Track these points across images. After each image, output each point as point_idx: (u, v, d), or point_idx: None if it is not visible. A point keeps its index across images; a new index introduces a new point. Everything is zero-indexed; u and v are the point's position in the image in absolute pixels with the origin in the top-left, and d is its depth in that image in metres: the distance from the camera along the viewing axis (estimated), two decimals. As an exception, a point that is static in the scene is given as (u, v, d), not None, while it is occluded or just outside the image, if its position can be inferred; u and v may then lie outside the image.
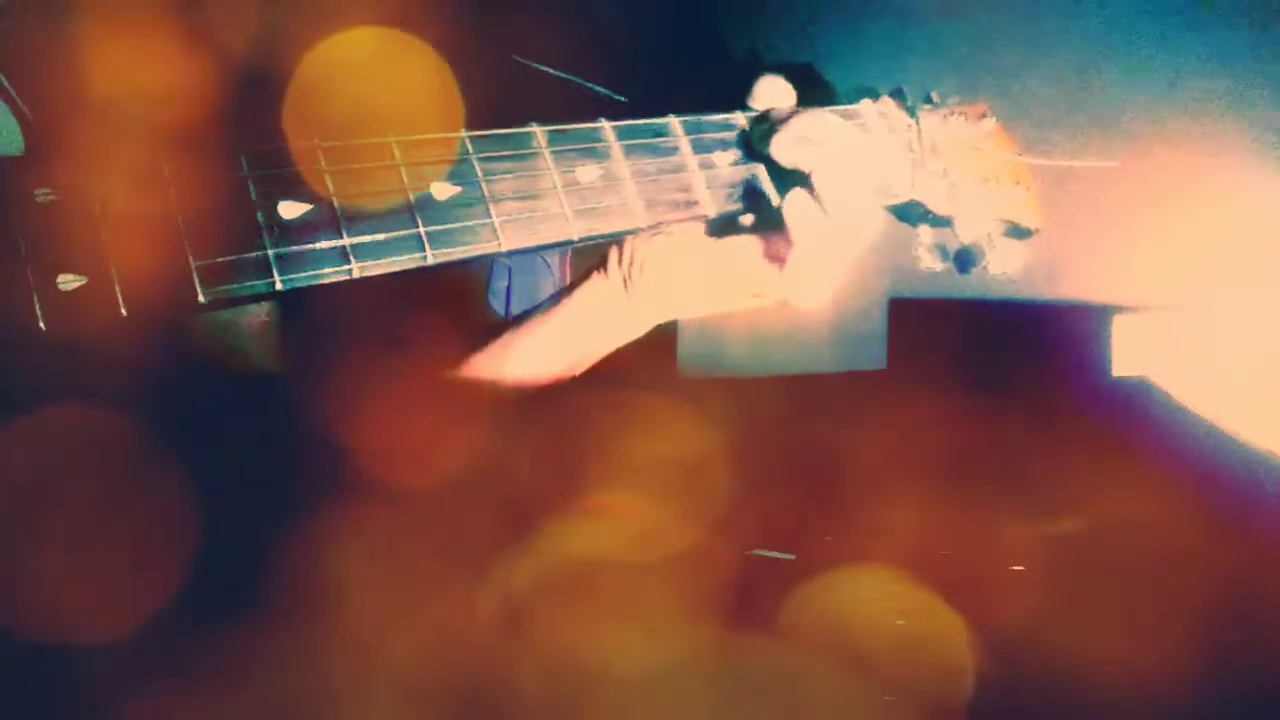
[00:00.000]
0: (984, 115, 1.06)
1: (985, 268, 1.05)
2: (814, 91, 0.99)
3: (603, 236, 0.83)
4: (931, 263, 1.04)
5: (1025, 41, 1.33)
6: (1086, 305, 1.37)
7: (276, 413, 0.88)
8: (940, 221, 1.03)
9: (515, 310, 1.24)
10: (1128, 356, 1.37)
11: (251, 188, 0.71)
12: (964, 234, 1.03)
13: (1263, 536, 1.19)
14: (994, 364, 1.31)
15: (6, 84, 0.75)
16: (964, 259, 1.05)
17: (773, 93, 0.94)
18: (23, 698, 0.70)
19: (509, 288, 1.26)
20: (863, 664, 1.25)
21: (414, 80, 0.86)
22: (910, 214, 1.02)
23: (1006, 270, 1.06)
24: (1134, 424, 1.33)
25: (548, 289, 1.28)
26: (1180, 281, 1.34)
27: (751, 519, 0.97)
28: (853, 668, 1.25)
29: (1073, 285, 1.35)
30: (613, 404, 0.93)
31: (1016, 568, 1.30)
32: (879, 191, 0.97)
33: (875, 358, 1.40)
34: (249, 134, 0.72)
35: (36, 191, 0.66)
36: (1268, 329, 1.29)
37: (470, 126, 0.81)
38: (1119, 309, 1.37)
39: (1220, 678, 1.11)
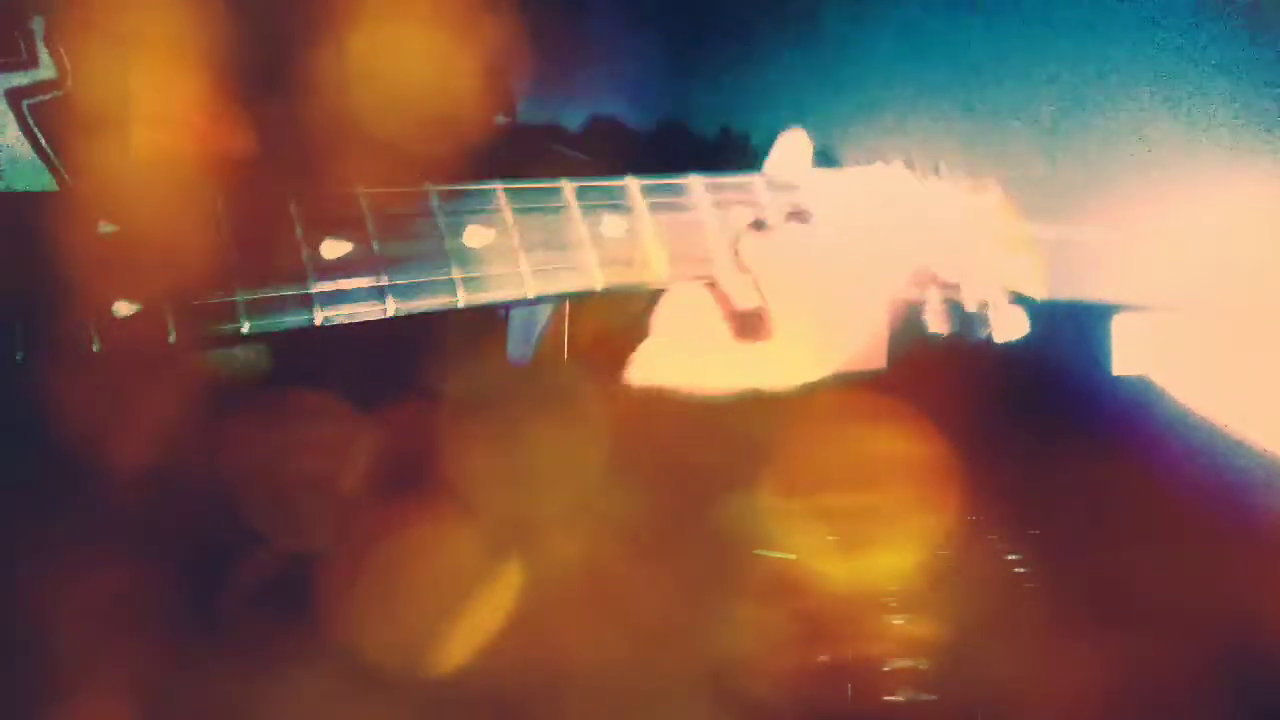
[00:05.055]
0: (989, 187, 1.11)
1: (989, 334, 1.09)
2: (824, 161, 1.03)
3: (625, 288, 0.87)
4: (939, 326, 1.08)
5: (1030, 116, 1.36)
6: (1086, 305, 1.38)
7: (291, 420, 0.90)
8: (948, 287, 1.07)
9: (515, 315, 1.27)
10: (1128, 356, 1.37)
11: (297, 227, 0.75)
12: (969, 300, 1.07)
13: (1264, 537, 1.18)
14: (994, 364, 1.31)
15: (50, 152, 0.79)
16: (970, 325, 1.09)
17: (792, 149, 0.98)
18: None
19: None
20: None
21: (453, 127, 0.91)
22: (919, 279, 1.06)
23: (1010, 338, 1.10)
24: (1134, 424, 1.32)
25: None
26: (1180, 281, 1.34)
27: (751, 519, 0.98)
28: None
29: (1073, 285, 1.36)
30: (608, 406, 0.95)
31: (1017, 569, 1.30)
32: (883, 257, 1.01)
33: (875, 358, 1.41)
34: (298, 174, 0.77)
35: (99, 224, 0.70)
36: (1268, 329, 1.29)
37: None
38: (1119, 309, 1.37)
39: (1220, 679, 1.10)
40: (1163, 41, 1.33)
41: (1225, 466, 1.25)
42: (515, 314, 1.21)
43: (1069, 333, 1.35)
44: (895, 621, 1.24)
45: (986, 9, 1.39)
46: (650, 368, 0.95)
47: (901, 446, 1.22)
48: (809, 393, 0.92)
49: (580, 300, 1.15)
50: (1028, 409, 1.30)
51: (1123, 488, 1.22)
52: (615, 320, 0.95)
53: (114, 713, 0.72)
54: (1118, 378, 1.34)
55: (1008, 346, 1.05)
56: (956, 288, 1.07)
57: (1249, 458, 1.23)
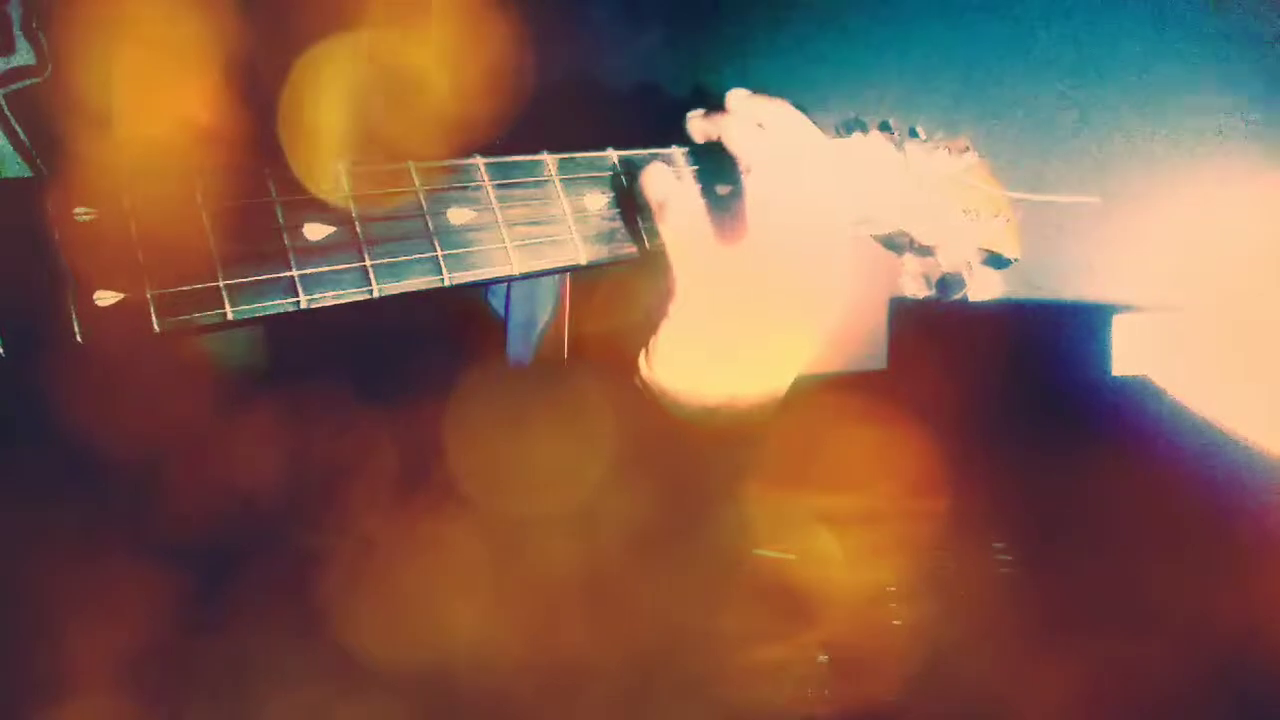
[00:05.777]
0: (966, 149, 1.12)
1: (965, 295, 1.10)
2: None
3: (609, 261, 0.87)
4: (916, 290, 1.09)
5: (1009, 78, 1.36)
6: (1087, 305, 1.39)
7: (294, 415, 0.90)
8: (924, 250, 1.08)
9: (515, 315, 1.26)
10: (1128, 356, 1.37)
11: (279, 210, 0.74)
12: (945, 262, 1.08)
13: (1264, 537, 1.19)
14: (994, 364, 1.31)
15: (27, 142, 0.77)
16: (945, 286, 1.10)
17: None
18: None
19: (509, 286, 1.27)
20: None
21: (433, 101, 0.90)
22: (896, 243, 1.07)
23: (985, 297, 1.11)
24: (1134, 424, 1.33)
25: (548, 286, 1.29)
26: (1180, 282, 1.34)
27: (751, 519, 0.99)
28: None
29: (1073, 285, 1.36)
30: (608, 406, 0.96)
31: (1015, 569, 1.31)
32: (861, 221, 1.01)
33: (875, 358, 1.41)
34: (277, 158, 0.75)
35: (76, 210, 0.68)
36: (1268, 329, 1.30)
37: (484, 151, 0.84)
38: (1119, 309, 1.38)
39: (1219, 681, 1.12)
40: (1162, 37, 1.32)
41: (1225, 466, 1.25)
42: (515, 314, 1.20)
43: (1069, 333, 1.35)
44: (894, 622, 1.25)
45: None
46: (651, 367, 0.95)
47: (901, 447, 1.22)
48: (804, 388, 0.92)
49: (578, 286, 1.15)
50: (1028, 409, 1.30)
51: (1122, 488, 1.23)
52: (615, 321, 0.95)
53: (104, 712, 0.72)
54: (1118, 378, 1.34)
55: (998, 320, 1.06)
56: (933, 250, 1.08)
57: (1249, 458, 1.24)
